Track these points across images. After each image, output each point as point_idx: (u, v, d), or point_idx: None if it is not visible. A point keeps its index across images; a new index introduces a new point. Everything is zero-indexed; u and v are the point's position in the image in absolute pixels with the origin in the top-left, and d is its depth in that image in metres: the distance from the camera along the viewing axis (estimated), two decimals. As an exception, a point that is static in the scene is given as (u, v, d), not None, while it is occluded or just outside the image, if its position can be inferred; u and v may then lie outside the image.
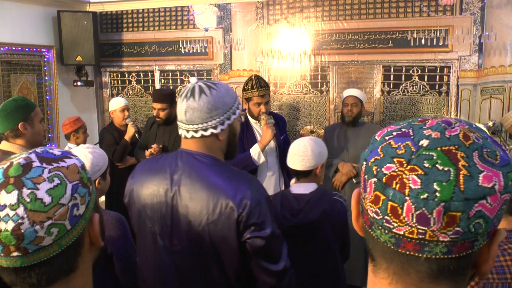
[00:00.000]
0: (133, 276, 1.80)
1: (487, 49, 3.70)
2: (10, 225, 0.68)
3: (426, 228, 0.53)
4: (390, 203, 0.55)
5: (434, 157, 0.53)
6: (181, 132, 1.45)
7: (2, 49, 4.21)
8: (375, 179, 0.57)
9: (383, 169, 0.56)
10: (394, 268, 0.59)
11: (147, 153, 3.40)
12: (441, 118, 0.59)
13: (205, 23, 3.97)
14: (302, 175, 2.06)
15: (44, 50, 4.62)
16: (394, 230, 0.56)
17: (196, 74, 4.75)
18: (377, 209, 0.57)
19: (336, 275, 2.05)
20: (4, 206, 0.69)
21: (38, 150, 0.78)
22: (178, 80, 4.85)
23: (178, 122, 1.46)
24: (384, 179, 0.55)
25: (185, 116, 1.41)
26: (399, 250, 0.56)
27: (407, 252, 0.56)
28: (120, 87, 5.14)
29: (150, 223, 1.45)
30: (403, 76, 4.03)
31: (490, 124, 3.49)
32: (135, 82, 5.05)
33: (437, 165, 0.53)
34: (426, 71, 3.94)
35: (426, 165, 0.53)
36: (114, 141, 3.86)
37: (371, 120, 4.12)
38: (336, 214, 1.98)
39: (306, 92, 4.34)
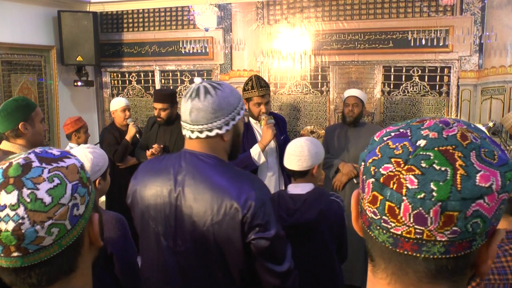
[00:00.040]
0: (133, 276, 1.81)
1: (488, 49, 3.70)
2: (11, 225, 0.68)
3: (423, 228, 0.53)
4: (387, 203, 0.55)
5: (431, 157, 0.53)
6: (185, 132, 1.44)
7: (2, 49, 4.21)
8: (373, 180, 0.57)
9: (380, 170, 0.56)
10: (392, 268, 0.59)
11: (148, 153, 3.40)
12: (439, 119, 0.59)
13: (205, 23, 3.97)
14: (299, 175, 2.06)
15: (44, 50, 4.62)
16: (391, 230, 0.56)
17: (196, 74, 4.76)
18: (375, 209, 0.57)
19: (333, 275, 2.05)
20: (4, 206, 0.68)
21: (37, 150, 0.77)
22: (179, 80, 4.85)
23: (182, 123, 1.45)
24: (381, 179, 0.56)
25: (190, 116, 1.40)
26: (397, 250, 0.56)
27: (405, 252, 0.56)
28: (120, 87, 5.14)
29: (153, 223, 1.44)
30: (403, 76, 4.03)
31: (491, 124, 3.49)
32: (135, 82, 5.05)
33: (434, 165, 0.53)
34: (427, 71, 3.94)
35: (423, 165, 0.53)
36: (115, 141, 3.86)
37: (371, 121, 4.12)
38: (333, 215, 1.98)
39: (307, 92, 4.34)
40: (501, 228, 0.58)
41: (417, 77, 3.98)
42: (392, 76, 4.06)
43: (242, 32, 4.46)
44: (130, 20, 4.93)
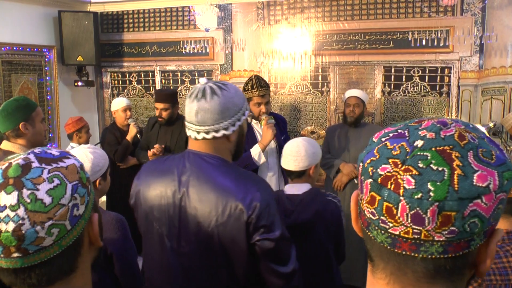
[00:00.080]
0: (132, 276, 1.81)
1: (488, 50, 3.70)
2: (11, 226, 0.67)
3: (421, 228, 0.53)
4: (385, 203, 0.55)
5: (429, 157, 0.53)
6: (190, 133, 1.42)
7: (3, 49, 4.22)
8: (370, 180, 0.57)
9: (378, 170, 0.56)
10: (391, 268, 0.59)
11: (150, 153, 3.39)
12: (438, 119, 0.59)
13: (205, 23, 3.97)
14: (296, 176, 2.06)
15: (45, 50, 4.63)
16: (390, 230, 0.56)
17: (196, 75, 4.76)
18: (373, 210, 0.57)
19: (331, 275, 2.05)
20: (4, 207, 0.68)
21: (36, 150, 0.77)
22: (179, 80, 4.85)
23: (186, 123, 1.43)
24: (379, 180, 0.56)
25: (196, 117, 1.38)
26: (396, 250, 0.57)
27: (403, 252, 0.56)
28: (120, 87, 5.14)
29: (157, 224, 1.43)
30: (403, 76, 4.02)
31: (491, 125, 3.49)
32: (135, 83, 5.06)
33: (431, 165, 0.53)
34: (427, 71, 3.94)
35: (421, 165, 0.53)
36: (116, 141, 3.86)
37: (371, 121, 4.12)
38: (330, 215, 1.98)
39: (307, 93, 4.34)
40: (500, 228, 0.58)
41: (417, 78, 3.98)
42: (392, 77, 4.06)
43: (242, 33, 4.46)
44: (131, 20, 4.93)
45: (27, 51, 4.45)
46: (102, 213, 1.76)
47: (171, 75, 4.88)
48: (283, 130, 3.26)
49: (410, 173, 0.53)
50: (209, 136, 1.39)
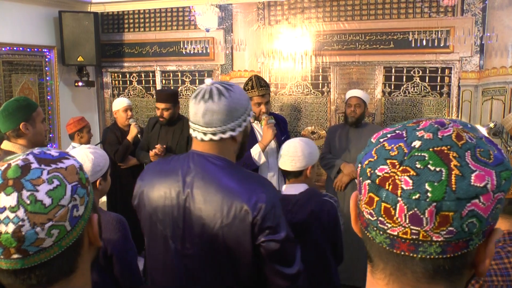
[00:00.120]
0: (132, 276, 1.81)
1: (488, 50, 3.70)
2: (11, 228, 0.67)
3: (419, 228, 0.53)
4: (383, 204, 0.55)
5: (426, 158, 0.54)
6: (196, 134, 1.40)
7: (3, 49, 4.22)
8: (369, 181, 0.58)
9: (376, 171, 0.57)
10: (390, 269, 0.59)
11: (152, 153, 3.39)
12: (436, 119, 0.59)
13: (206, 23, 3.98)
14: (293, 176, 2.06)
15: (45, 50, 4.63)
16: (388, 231, 0.56)
17: (197, 75, 4.76)
18: (372, 211, 0.57)
19: (329, 275, 2.05)
20: (4, 209, 0.68)
21: (35, 151, 0.77)
22: (179, 80, 4.86)
23: (192, 124, 1.41)
24: (377, 181, 0.56)
25: (203, 118, 1.36)
26: (394, 251, 0.57)
27: (402, 253, 0.56)
28: (121, 88, 5.15)
29: (161, 226, 1.42)
30: (404, 77, 4.02)
31: (492, 125, 3.49)
32: (136, 83, 5.06)
33: (429, 166, 0.53)
34: (427, 72, 3.94)
35: (418, 166, 0.53)
36: (117, 140, 3.86)
37: (372, 121, 4.12)
38: (326, 215, 1.97)
39: (307, 93, 4.34)
40: (499, 227, 0.58)
41: (418, 78, 3.97)
42: (393, 77, 4.06)
43: (243, 33, 4.46)
44: (131, 21, 4.93)
45: (27, 51, 4.46)
46: (102, 214, 1.76)
47: (171, 75, 4.88)
48: (284, 130, 3.25)
49: (408, 174, 0.54)
50: (216, 138, 1.38)
